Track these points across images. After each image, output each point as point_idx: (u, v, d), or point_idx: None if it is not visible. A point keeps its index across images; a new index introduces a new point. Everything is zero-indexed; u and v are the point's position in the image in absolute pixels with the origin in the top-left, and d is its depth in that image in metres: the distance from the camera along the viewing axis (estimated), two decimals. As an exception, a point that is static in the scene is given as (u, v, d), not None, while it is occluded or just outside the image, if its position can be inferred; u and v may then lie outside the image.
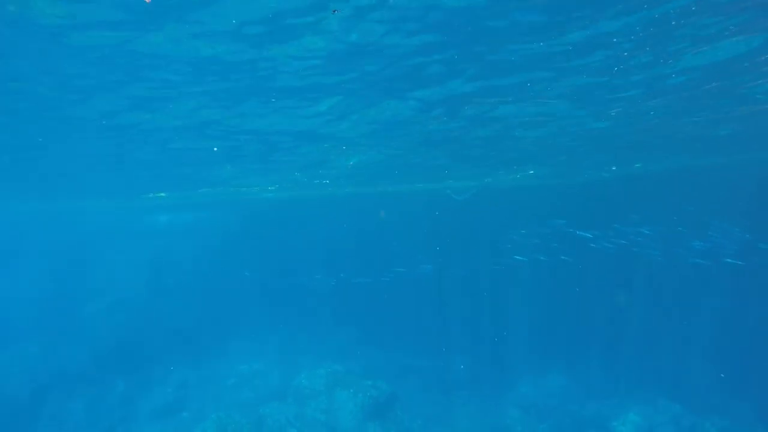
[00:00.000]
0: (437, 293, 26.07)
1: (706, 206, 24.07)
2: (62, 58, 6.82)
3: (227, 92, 8.91)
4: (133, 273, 25.45)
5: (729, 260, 19.64)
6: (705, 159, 21.83)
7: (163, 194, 23.24)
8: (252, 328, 26.18)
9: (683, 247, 22.26)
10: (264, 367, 21.81)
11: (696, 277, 22.14)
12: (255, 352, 23.80)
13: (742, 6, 6.28)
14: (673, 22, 6.64)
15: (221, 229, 29.66)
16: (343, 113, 10.84)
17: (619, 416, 18.02)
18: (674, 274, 23.39)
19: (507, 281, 26.62)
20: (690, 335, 21.62)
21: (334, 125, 11.89)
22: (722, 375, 18.99)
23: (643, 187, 27.25)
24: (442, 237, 28.60)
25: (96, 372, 21.91)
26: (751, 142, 17.21)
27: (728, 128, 14.89)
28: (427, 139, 14.15)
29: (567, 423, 17.98)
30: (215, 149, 14.07)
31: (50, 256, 27.71)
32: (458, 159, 18.47)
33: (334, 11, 5.77)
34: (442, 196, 28.01)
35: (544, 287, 26.23)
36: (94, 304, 24.38)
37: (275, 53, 7.15)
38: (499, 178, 24.49)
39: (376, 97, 9.83)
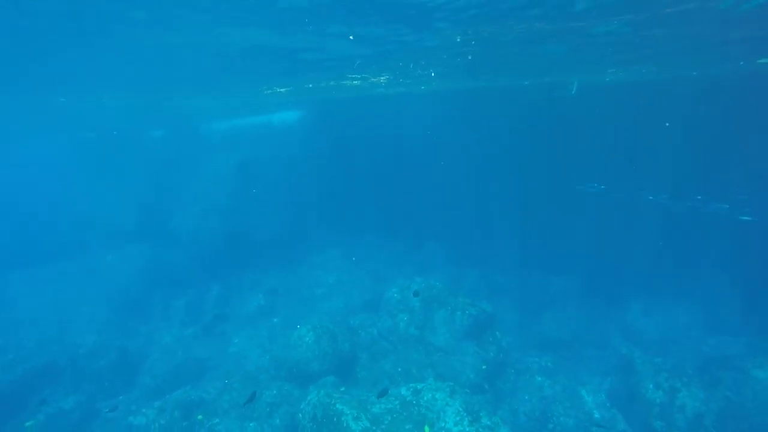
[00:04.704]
0: (529, 207, 23.52)
1: None
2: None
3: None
4: (224, 180, 25.61)
5: None
6: None
7: (283, 90, 21.80)
8: (341, 237, 25.89)
9: None
10: (354, 277, 21.45)
11: None
12: (345, 263, 23.55)
13: None
14: None
15: (314, 132, 28.42)
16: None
17: (753, 357, 15.49)
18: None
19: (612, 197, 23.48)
20: None
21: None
22: None
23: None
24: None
25: (193, 274, 23.04)
26: None
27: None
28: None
29: (688, 360, 15.84)
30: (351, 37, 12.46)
31: (149, 163, 28.75)
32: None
33: None
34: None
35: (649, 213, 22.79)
36: (189, 210, 25.06)
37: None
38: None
39: None
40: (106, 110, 26.54)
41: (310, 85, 22.87)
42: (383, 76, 20.47)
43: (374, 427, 10.01)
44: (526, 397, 13.49)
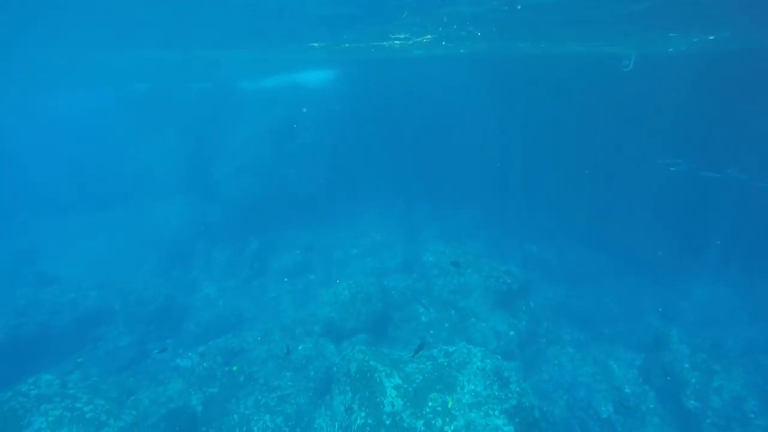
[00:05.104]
0: (572, 179, 22.73)
1: None
2: None
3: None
4: (260, 138, 25.90)
5: None
6: None
7: (316, 44, 21.60)
8: (376, 199, 26.05)
9: None
10: (388, 239, 21.69)
11: None
12: (379, 224, 23.79)
13: None
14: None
15: (351, 94, 28.10)
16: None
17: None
18: None
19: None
20: None
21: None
22: None
23: None
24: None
25: (233, 229, 23.86)
26: None
27: None
28: None
29: (729, 343, 15.33)
30: None
31: (187, 120, 29.38)
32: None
33: None
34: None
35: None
36: (228, 166, 25.61)
37: None
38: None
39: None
40: (147, 63, 27.05)
41: (347, 45, 22.33)
42: (427, 35, 19.76)
43: (406, 385, 10.37)
44: (556, 368, 13.56)
